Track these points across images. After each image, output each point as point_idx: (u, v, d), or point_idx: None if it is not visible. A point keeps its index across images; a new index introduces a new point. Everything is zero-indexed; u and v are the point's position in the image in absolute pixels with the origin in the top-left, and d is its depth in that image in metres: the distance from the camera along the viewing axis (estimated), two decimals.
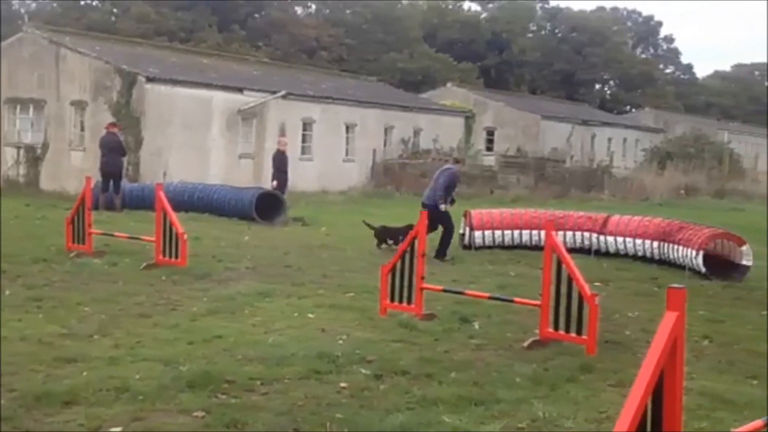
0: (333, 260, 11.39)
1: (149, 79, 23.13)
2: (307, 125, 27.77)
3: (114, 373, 5.41)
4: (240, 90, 25.72)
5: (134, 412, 4.72)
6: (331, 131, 28.60)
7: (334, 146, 28.81)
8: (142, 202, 16.23)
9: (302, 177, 24.41)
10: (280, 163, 18.43)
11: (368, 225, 13.20)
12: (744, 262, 10.73)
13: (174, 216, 10.02)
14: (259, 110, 25.93)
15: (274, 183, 18.21)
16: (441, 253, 11.91)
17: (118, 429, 4.47)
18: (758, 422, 4.00)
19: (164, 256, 9.97)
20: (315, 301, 8.34)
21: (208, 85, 24.81)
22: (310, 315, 7.62)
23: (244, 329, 6.91)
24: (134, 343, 6.29)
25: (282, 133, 25.22)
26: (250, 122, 25.85)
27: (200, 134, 24.27)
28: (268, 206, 16.39)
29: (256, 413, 4.75)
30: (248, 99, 25.64)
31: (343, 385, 5.40)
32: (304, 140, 27.64)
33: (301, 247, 12.63)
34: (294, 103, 27.18)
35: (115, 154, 17.17)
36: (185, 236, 9.79)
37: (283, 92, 26.66)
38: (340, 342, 6.57)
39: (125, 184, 18.05)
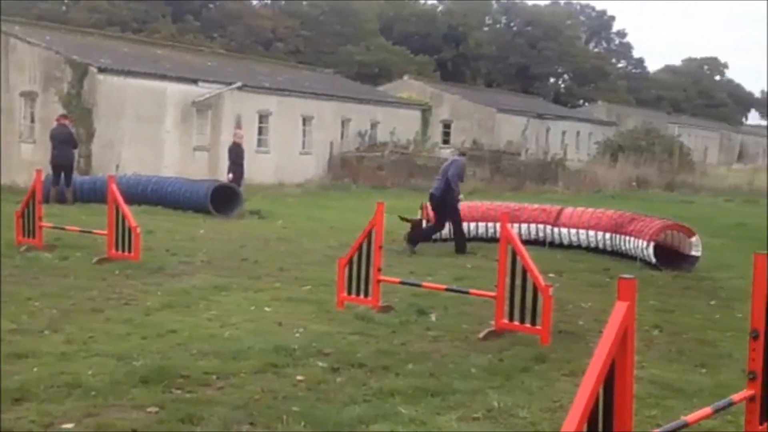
0: (290, 253, 11.35)
1: (101, 70, 22.73)
2: (263, 117, 27.57)
3: (66, 368, 5.32)
4: (194, 81, 25.42)
5: (86, 408, 4.65)
6: (287, 124, 28.44)
7: (291, 139, 28.67)
8: (94, 195, 15.98)
9: (259, 170, 24.26)
10: (236, 155, 18.30)
11: (405, 219, 12.57)
12: (693, 253, 10.97)
13: (127, 209, 9.87)
14: (214, 102, 25.66)
15: (230, 176, 18.06)
16: (460, 248, 12.03)
17: (70, 425, 4.40)
18: (706, 410, 4.09)
19: (117, 249, 9.82)
20: (271, 294, 8.30)
21: (161, 77, 24.47)
22: (267, 308, 7.59)
23: (199, 323, 6.84)
24: (86, 338, 6.19)
25: (238, 125, 24.99)
26: (204, 114, 25.57)
27: (154, 126, 23.93)
28: (223, 199, 16.25)
29: (211, 408, 4.72)
30: (203, 90, 25.36)
31: (299, 378, 5.39)
32: (260, 132, 27.45)
33: (257, 240, 12.55)
34: (250, 95, 26.96)
35: (66, 147, 16.84)
36: (138, 230, 9.65)
37: (238, 84, 26.42)
38: (297, 335, 6.56)
39: (76, 176, 17.73)
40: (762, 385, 4.19)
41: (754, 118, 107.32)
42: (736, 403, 4.22)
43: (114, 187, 9.95)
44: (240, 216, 16.05)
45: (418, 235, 12.16)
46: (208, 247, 11.48)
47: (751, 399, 4.18)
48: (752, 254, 4.27)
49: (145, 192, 16.65)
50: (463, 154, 14.14)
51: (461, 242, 12.19)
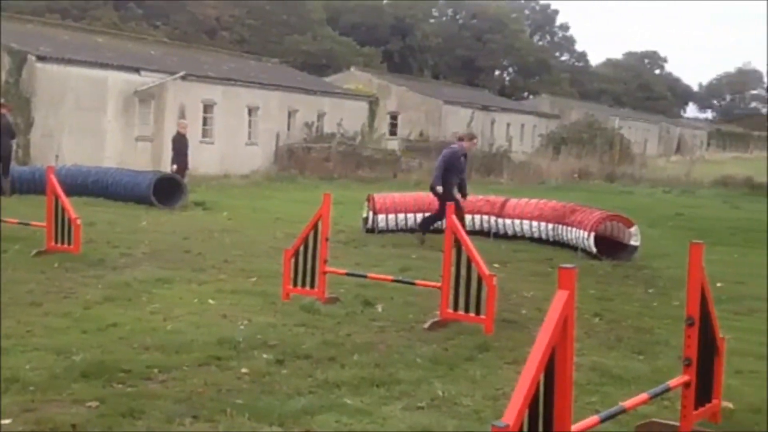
0: (235, 245, 11.24)
1: (40, 58, 22.14)
2: (207, 107, 27.21)
3: (3, 363, 5.18)
4: (137, 70, 24.93)
5: (25, 402, 4.55)
6: (232, 114, 28.13)
7: (236, 129, 28.37)
8: (33, 186, 15.56)
9: (203, 160, 23.94)
10: (179, 146, 18.04)
11: None
12: (632, 243, 11.23)
13: (66, 200, 9.65)
14: (157, 91, 25.22)
15: (174, 166, 17.80)
16: (422, 229, 12.19)
17: (8, 421, 4.29)
18: (643, 396, 4.20)
19: (56, 242, 9.60)
20: (216, 286, 8.22)
21: (103, 65, 23.94)
22: (211, 301, 7.51)
23: (141, 317, 6.74)
24: (24, 332, 6.04)
25: (182, 115, 24.63)
26: (147, 104, 25.12)
27: (95, 116, 23.41)
28: (167, 190, 16.00)
29: (153, 401, 4.66)
30: (146, 80, 24.90)
31: (244, 370, 5.36)
32: (204, 123, 27.09)
33: (201, 232, 12.40)
34: (194, 84, 26.58)
35: (4, 137, 16.34)
36: (79, 221, 9.45)
37: (182, 73, 26.01)
38: (242, 327, 6.51)
39: (15, 167, 17.24)
40: (697, 371, 4.32)
41: (692, 111, 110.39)
42: (673, 388, 4.34)
43: (53, 178, 9.72)
44: (184, 207, 15.84)
45: (424, 223, 12.28)
46: (150, 239, 11.30)
47: (686, 385, 4.31)
48: (688, 243, 4.40)
49: (86, 183, 16.30)
50: (461, 139, 12.85)
51: (425, 227, 12.23)
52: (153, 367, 5.33)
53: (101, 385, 4.92)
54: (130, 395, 4.77)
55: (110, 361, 5.31)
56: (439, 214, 11.74)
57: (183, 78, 26.00)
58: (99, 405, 4.58)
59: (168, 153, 19.11)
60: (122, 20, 46.10)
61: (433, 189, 11.95)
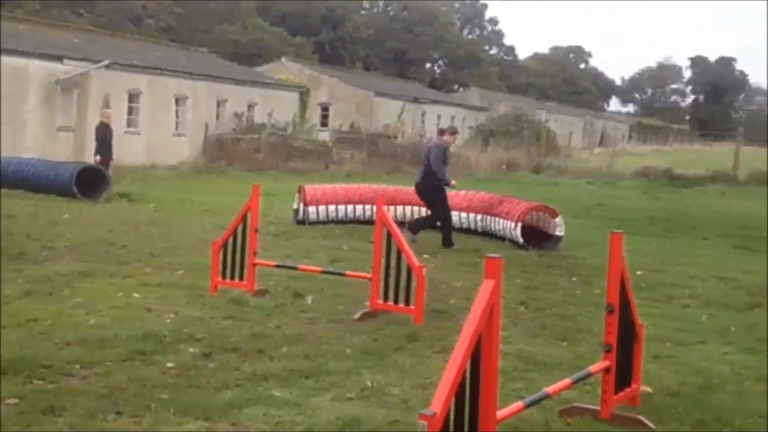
0: (161, 237, 11.03)
1: None
2: (133, 97, 26.56)
3: None
4: (59, 59, 24.14)
5: None
6: (159, 104, 27.53)
7: (163, 119, 27.78)
8: None
9: (128, 151, 23.37)
10: (103, 136, 17.56)
11: None
12: (557, 233, 11.48)
13: None
14: (81, 80, 24.48)
15: (97, 157, 17.33)
16: (447, 242, 11.14)
17: None
18: (566, 381, 4.31)
19: None
20: (141, 279, 8.06)
21: (23, 53, 23.09)
22: (136, 294, 7.35)
23: (62, 311, 6.55)
24: None
25: (106, 104, 23.97)
26: (70, 93, 24.36)
27: (14, 105, 22.58)
28: (90, 182, 15.57)
29: (74, 398, 4.54)
30: (68, 68, 24.14)
31: (169, 365, 5.27)
32: (130, 113, 26.43)
33: (126, 225, 12.12)
34: (119, 73, 25.89)
35: None
36: None
37: (106, 62, 25.30)
38: (168, 321, 6.40)
39: None
40: (617, 357, 4.45)
41: (615, 104, 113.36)
42: (594, 374, 4.47)
43: None
44: (108, 199, 15.45)
45: (420, 224, 11.50)
46: (73, 232, 10.98)
47: (606, 370, 4.44)
48: (609, 233, 4.53)
49: (6, 174, 15.75)
50: (442, 132, 12.25)
51: (418, 227, 11.39)
52: (75, 362, 5.20)
53: (21, 381, 4.78)
54: (50, 391, 4.64)
55: (30, 357, 5.16)
56: (443, 210, 11.33)
57: (107, 67, 25.30)
58: (18, 402, 4.45)
59: (91, 143, 18.59)
60: (44, 7, 44.53)
61: (447, 184, 11.40)
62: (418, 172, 11.62)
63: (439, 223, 11.52)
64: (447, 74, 76.05)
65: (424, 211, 13.02)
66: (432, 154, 11.31)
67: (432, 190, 11.37)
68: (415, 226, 11.40)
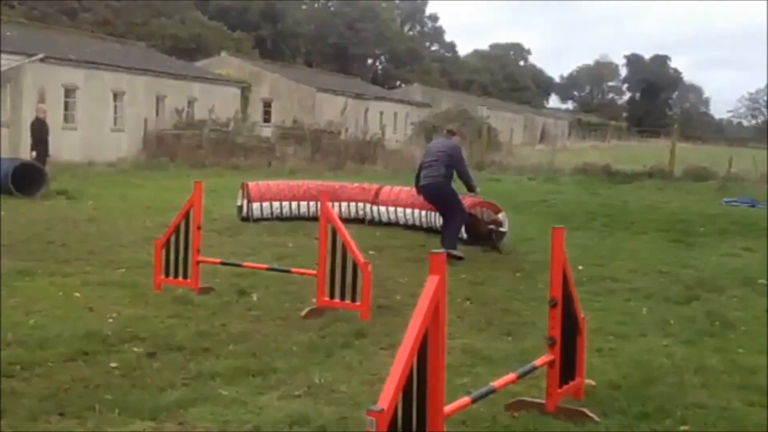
0: (102, 235, 10.81)
1: None
2: (69, 92, 25.94)
3: None
4: None
5: None
6: (96, 99, 26.95)
7: (101, 115, 27.21)
8: None
9: (66, 147, 22.85)
10: (39, 132, 17.14)
11: None
12: (501, 229, 11.61)
13: None
14: (14, 74, 23.79)
15: (34, 153, 16.90)
16: (448, 242, 9.78)
17: None
18: (511, 376, 4.38)
19: None
20: (82, 278, 7.89)
21: None
22: (77, 294, 7.20)
23: (0, 311, 6.38)
24: None
25: (41, 99, 23.34)
26: (4, 87, 23.65)
27: None
28: (26, 179, 15.17)
29: (16, 400, 4.44)
30: (2, 62, 23.43)
31: (113, 365, 5.18)
32: (66, 108, 25.81)
33: (65, 222, 11.84)
34: (54, 67, 25.25)
35: None
36: None
37: (41, 55, 24.64)
38: (110, 320, 6.29)
39: None
40: (561, 351, 4.55)
41: (554, 101, 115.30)
42: (539, 367, 4.55)
43: None
44: (45, 196, 15.07)
45: (449, 236, 10.02)
46: (9, 230, 10.68)
47: (551, 364, 4.53)
48: (551, 228, 4.62)
49: None
50: (452, 133, 10.84)
51: (451, 238, 10.00)
52: (15, 363, 5.07)
53: None
54: None
55: None
56: (462, 215, 10.32)
57: (42, 60, 24.65)
58: None
59: (27, 139, 18.11)
60: None
61: (474, 189, 10.47)
62: (423, 173, 10.21)
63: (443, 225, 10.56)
64: (389, 71, 76.25)
65: (368, 208, 13.05)
66: (455, 159, 10.11)
67: (448, 194, 10.20)
68: (449, 243, 9.80)
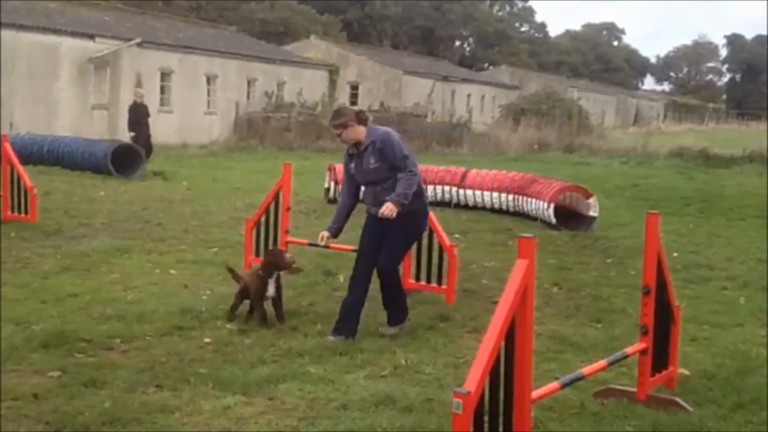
0: (195, 215, 11.15)
1: None
2: (165, 75, 26.75)
3: None
4: (91, 37, 24.37)
5: None
6: (190, 82, 27.70)
7: (195, 98, 27.97)
8: None
9: (161, 130, 23.57)
10: (135, 114, 17.69)
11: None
12: (591, 213, 11.38)
13: (22, 170, 9.48)
14: (113, 59, 24.69)
15: (132, 134, 17.49)
16: None
17: None
18: (602, 363, 4.30)
19: (12, 211, 9.43)
20: (176, 256, 8.16)
21: (55, 31, 23.34)
22: (172, 271, 7.46)
23: (100, 287, 6.67)
24: None
25: (138, 83, 24.17)
26: (102, 71, 24.59)
27: (47, 83, 22.88)
28: (124, 160, 15.74)
29: (115, 371, 4.64)
30: (100, 47, 24.36)
31: (206, 340, 5.35)
32: (162, 91, 26.63)
33: (160, 202, 12.26)
34: (150, 51, 26.07)
35: None
36: (35, 191, 9.29)
37: (138, 40, 25.48)
38: (204, 297, 6.49)
39: None
40: (654, 339, 4.43)
41: (649, 83, 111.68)
42: (630, 356, 4.45)
43: (8, 146, 9.52)
44: (142, 177, 15.62)
45: None
46: (108, 209, 11.15)
47: (643, 352, 4.42)
48: (644, 214, 4.49)
49: (41, 152, 15.97)
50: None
51: None
52: (114, 336, 5.30)
53: (62, 355, 4.89)
54: (91, 365, 4.74)
55: (70, 331, 5.27)
56: None
57: (139, 45, 25.48)
58: (60, 375, 4.55)
59: (125, 121, 18.78)
60: None
61: None
62: None
63: None
64: (476, 52, 75.40)
65: (454, 191, 12.98)
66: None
67: None
68: None
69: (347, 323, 5.51)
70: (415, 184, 5.53)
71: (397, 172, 5.50)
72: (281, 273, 5.92)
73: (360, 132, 5.57)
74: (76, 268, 7.32)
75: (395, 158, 5.50)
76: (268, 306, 5.85)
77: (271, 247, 7.24)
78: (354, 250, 7.95)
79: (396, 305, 5.84)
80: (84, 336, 5.23)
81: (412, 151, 5.73)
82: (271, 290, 5.81)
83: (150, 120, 18.08)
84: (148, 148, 17.41)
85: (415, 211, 5.63)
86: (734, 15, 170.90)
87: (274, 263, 5.84)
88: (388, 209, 5.42)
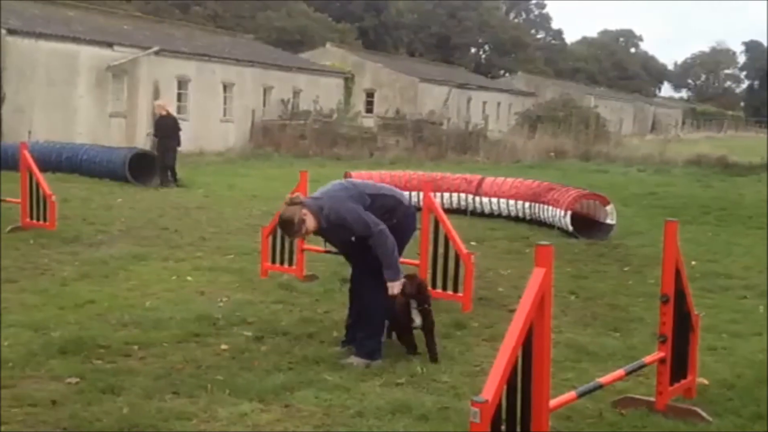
0: (211, 222, 11.20)
1: (10, 32, 21.70)
2: (182, 83, 26.90)
3: None
4: (109, 45, 24.55)
5: (3, 379, 4.53)
6: (207, 90, 27.85)
7: (211, 106, 28.10)
8: (5, 162, 15.35)
9: None
10: (166, 127, 16.11)
11: None
12: (608, 221, 11.32)
13: (41, 177, 9.56)
14: (130, 67, 24.87)
15: (152, 137, 17.17)
16: None
17: None
18: (620, 372, 4.27)
19: (31, 218, 9.51)
20: (193, 263, 8.20)
21: (74, 39, 23.53)
22: (188, 278, 7.49)
23: (118, 293, 6.71)
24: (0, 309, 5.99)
25: (156, 91, 24.32)
26: (120, 79, 24.77)
27: (66, 91, 23.06)
28: (142, 167, 15.84)
29: (133, 378, 4.66)
30: (118, 55, 24.53)
31: (223, 347, 5.37)
32: (179, 99, 26.78)
33: (177, 209, 12.32)
34: (167, 60, 26.24)
35: None
36: (54, 198, 9.36)
37: (155, 48, 25.66)
38: (220, 304, 6.51)
39: None
40: (672, 348, 4.39)
41: (666, 90, 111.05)
42: (648, 364, 4.42)
43: (27, 153, 9.61)
44: (159, 185, 15.69)
45: None
46: (126, 216, 11.22)
47: (661, 361, 4.38)
48: (662, 222, 4.46)
49: (59, 159, 16.12)
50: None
51: None
52: (132, 343, 5.33)
53: (80, 361, 4.92)
54: (109, 371, 4.77)
55: (88, 338, 5.30)
56: None
57: (156, 53, 25.66)
58: (78, 381, 4.58)
59: (142, 129, 18.88)
60: None
61: None
62: None
63: None
64: (492, 59, 75.31)
65: (470, 199, 12.96)
66: None
67: None
68: None
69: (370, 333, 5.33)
70: (389, 243, 5.06)
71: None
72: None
73: (308, 215, 5.11)
74: (94, 275, 7.37)
75: (358, 233, 5.12)
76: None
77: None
78: None
79: (365, 328, 5.25)
80: (102, 342, 5.26)
81: (362, 192, 5.31)
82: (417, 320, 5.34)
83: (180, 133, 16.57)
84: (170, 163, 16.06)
85: (396, 224, 5.25)
86: (752, 21, 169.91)
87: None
88: (395, 288, 5.13)
